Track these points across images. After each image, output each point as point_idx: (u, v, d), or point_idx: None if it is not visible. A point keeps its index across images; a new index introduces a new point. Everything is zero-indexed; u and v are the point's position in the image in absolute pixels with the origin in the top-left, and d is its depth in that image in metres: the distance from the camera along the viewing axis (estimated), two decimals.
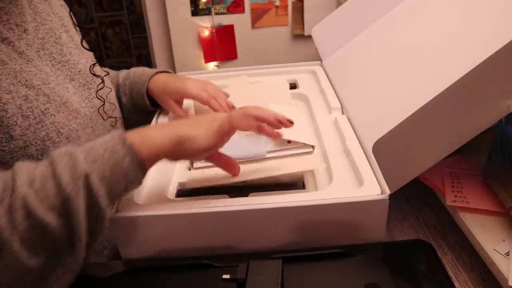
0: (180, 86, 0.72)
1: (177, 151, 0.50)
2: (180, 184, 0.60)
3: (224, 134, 0.52)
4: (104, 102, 0.65)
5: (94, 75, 0.61)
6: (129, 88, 0.77)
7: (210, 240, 0.52)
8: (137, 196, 0.55)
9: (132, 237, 0.52)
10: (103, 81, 0.64)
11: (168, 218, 0.51)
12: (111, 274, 0.50)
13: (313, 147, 0.63)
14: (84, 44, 0.67)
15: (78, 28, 0.76)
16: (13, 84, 0.53)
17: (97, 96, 0.65)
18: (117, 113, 0.73)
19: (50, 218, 0.42)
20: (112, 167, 0.44)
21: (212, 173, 0.61)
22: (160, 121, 0.74)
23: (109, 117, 0.65)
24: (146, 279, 0.49)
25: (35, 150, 0.53)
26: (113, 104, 0.71)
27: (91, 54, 0.73)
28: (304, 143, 0.64)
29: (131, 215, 0.51)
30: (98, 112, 0.64)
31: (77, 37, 0.71)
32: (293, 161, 0.62)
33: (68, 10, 0.73)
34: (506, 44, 0.47)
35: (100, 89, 0.65)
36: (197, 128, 0.51)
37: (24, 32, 0.58)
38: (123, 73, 0.81)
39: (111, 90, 0.71)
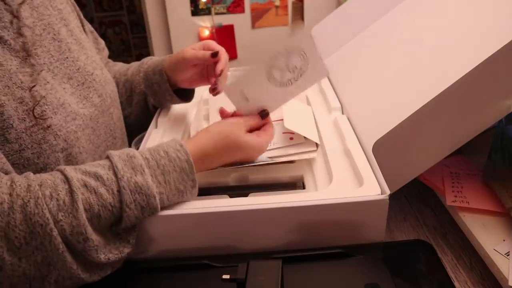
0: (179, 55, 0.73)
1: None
2: None
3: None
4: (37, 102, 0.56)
5: None
6: (148, 65, 0.78)
7: (210, 240, 0.52)
8: None
9: None
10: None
11: (168, 218, 0.51)
12: (111, 274, 0.50)
13: (317, 145, 0.63)
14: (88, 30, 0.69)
15: (83, 18, 0.74)
16: (8, 86, 0.51)
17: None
18: (116, 108, 0.71)
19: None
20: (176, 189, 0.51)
21: (211, 172, 0.61)
22: (160, 121, 0.74)
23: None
24: (146, 279, 0.49)
25: (31, 153, 0.52)
26: (110, 98, 0.69)
27: (92, 47, 0.72)
28: (306, 141, 0.64)
29: None
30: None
31: (78, 30, 0.68)
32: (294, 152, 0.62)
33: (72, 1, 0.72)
34: (506, 44, 0.47)
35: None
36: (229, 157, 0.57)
37: (21, 29, 0.55)
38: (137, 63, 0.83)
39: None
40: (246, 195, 0.54)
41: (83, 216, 0.45)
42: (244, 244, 0.52)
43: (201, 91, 0.83)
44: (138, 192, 0.48)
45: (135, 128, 0.79)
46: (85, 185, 0.46)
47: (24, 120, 0.51)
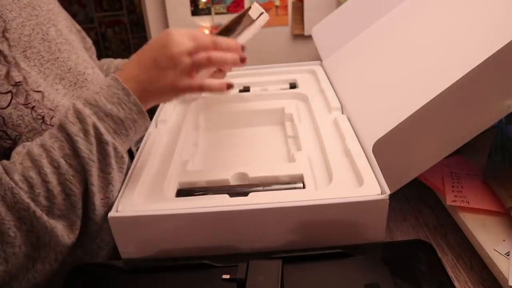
0: None
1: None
2: (180, 184, 0.60)
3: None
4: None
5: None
6: None
7: (210, 240, 0.52)
8: (137, 196, 0.55)
9: (132, 237, 0.52)
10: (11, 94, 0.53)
11: (168, 218, 0.51)
12: (111, 274, 0.50)
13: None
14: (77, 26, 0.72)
15: (70, 17, 0.74)
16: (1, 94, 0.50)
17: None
18: None
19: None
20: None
21: (211, 172, 0.61)
22: (159, 121, 0.74)
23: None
24: (146, 279, 0.49)
25: None
26: None
27: (81, 47, 0.70)
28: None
29: (131, 215, 0.51)
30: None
31: (67, 30, 0.68)
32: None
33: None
34: (506, 44, 0.47)
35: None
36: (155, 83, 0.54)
37: (7, 31, 0.54)
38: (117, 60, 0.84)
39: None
40: (246, 194, 0.54)
41: (54, 177, 0.47)
42: (244, 244, 0.52)
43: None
44: (78, 122, 0.49)
45: None
46: (44, 148, 0.48)
47: (19, 126, 0.51)
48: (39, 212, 0.46)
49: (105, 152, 0.50)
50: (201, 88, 0.56)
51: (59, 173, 0.48)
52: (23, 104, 0.52)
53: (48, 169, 0.47)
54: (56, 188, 0.47)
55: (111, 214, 0.51)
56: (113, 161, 0.51)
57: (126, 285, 0.49)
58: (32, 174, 0.47)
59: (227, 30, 0.62)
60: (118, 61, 0.85)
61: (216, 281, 0.45)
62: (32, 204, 0.46)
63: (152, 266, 0.51)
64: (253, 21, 0.60)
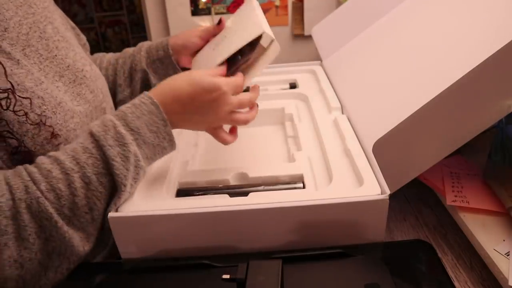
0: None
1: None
2: (180, 184, 0.60)
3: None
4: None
5: None
6: (149, 45, 0.81)
7: (210, 240, 0.52)
8: (137, 196, 0.55)
9: (132, 237, 0.52)
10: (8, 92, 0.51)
11: (168, 218, 0.51)
12: (111, 274, 0.50)
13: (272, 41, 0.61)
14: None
15: (65, 15, 0.73)
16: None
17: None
18: (107, 103, 0.71)
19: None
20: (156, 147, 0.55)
21: (211, 172, 0.61)
22: None
23: None
24: (146, 279, 0.49)
25: (34, 156, 0.52)
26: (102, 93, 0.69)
27: (77, 44, 0.70)
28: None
29: (131, 215, 0.51)
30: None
31: (63, 27, 0.67)
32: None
33: None
34: (506, 44, 0.47)
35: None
36: (194, 124, 0.59)
37: (5, 30, 0.53)
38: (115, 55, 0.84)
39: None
40: (246, 194, 0.54)
41: (82, 191, 0.49)
42: (244, 244, 0.52)
43: None
44: (117, 145, 0.51)
45: None
46: (78, 163, 0.50)
47: (25, 123, 0.51)
48: (60, 222, 0.48)
49: (138, 176, 0.54)
50: (224, 142, 0.61)
51: (88, 188, 0.50)
52: (13, 112, 0.51)
53: (78, 184, 0.49)
54: (81, 202, 0.49)
55: (111, 214, 0.51)
56: (140, 179, 0.55)
57: (126, 285, 0.49)
58: (62, 186, 0.48)
59: (240, 53, 0.61)
60: (110, 55, 0.84)
61: (216, 281, 0.45)
62: (55, 214, 0.47)
63: (152, 266, 0.51)
64: (264, 49, 0.60)
